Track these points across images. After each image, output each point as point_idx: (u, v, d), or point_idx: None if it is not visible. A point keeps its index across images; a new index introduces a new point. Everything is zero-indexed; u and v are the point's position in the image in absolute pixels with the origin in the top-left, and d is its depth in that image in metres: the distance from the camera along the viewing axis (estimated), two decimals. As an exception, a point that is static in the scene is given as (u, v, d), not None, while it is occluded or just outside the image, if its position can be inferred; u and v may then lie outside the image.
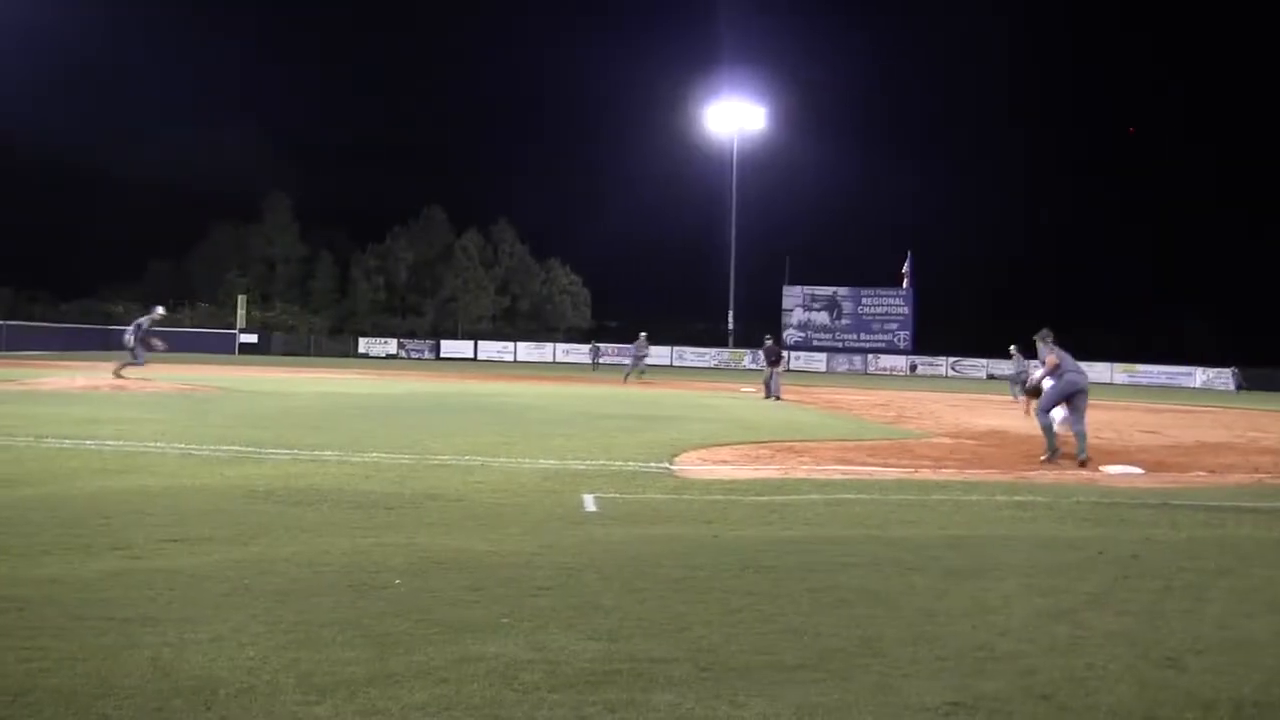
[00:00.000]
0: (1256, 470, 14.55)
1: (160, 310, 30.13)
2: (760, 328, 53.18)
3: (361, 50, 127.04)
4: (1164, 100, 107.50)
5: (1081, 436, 14.64)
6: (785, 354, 33.68)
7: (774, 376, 31.76)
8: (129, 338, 27.30)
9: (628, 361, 46.85)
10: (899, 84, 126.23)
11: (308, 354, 75.59)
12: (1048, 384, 19.14)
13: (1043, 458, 14.71)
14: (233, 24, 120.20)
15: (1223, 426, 24.58)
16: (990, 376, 62.89)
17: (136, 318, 28.64)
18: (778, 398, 30.52)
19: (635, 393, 32.64)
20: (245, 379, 34.15)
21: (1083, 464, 14.18)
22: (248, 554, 6.95)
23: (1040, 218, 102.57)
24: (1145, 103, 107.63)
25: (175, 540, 7.31)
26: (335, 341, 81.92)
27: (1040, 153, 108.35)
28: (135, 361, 27.11)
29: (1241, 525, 9.52)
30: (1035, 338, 15.74)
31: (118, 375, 26.80)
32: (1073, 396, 14.85)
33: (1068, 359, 15.11)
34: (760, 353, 33.52)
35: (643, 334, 45.79)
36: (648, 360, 47.01)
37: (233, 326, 78.06)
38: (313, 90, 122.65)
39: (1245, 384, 63.31)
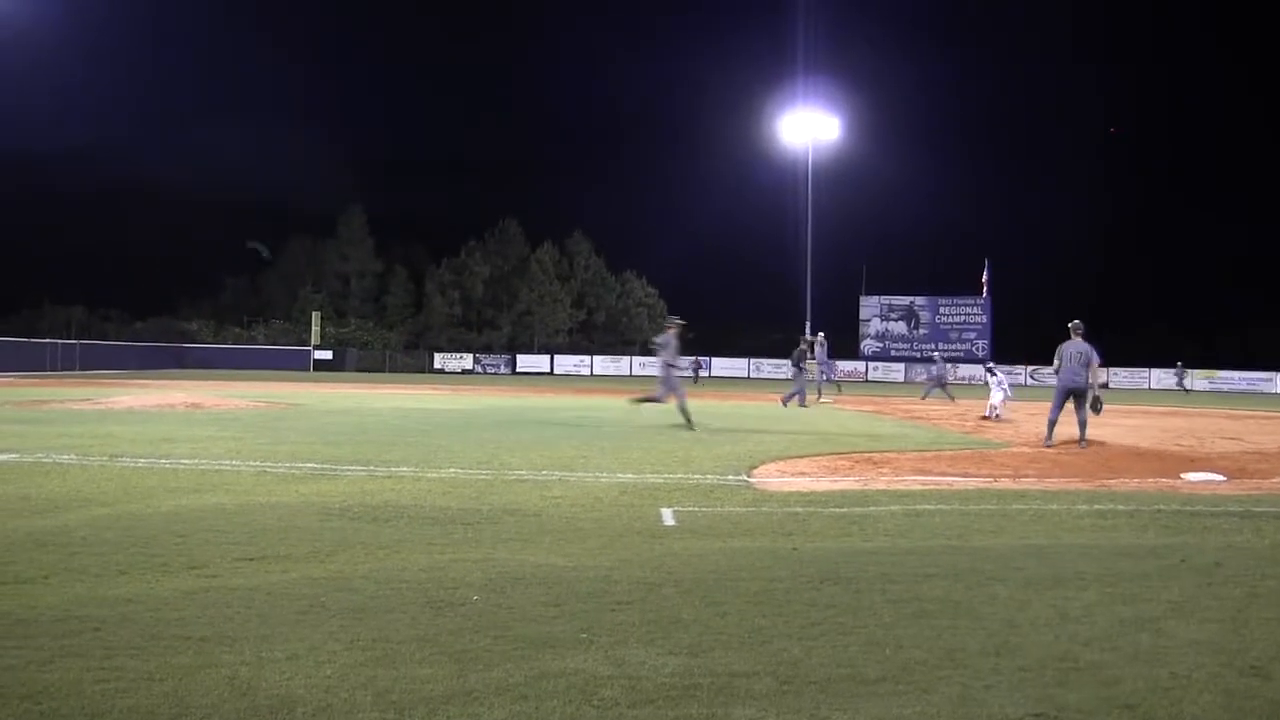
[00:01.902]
0: (1341, 477, 14.31)
1: (677, 320, 22.11)
2: (837, 338, 52.74)
3: (435, 64, 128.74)
4: (1248, 102, 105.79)
5: (1083, 425, 17.52)
6: (808, 359, 32.34)
7: (799, 380, 31.39)
8: (663, 361, 20.90)
9: (820, 376, 36.89)
10: (975, 91, 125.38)
11: (383, 370, 76.57)
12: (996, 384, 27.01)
13: (1044, 444, 17.60)
14: (308, 39, 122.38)
15: (1305, 433, 24.14)
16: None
17: (658, 339, 21.83)
18: (793, 403, 30.34)
19: (712, 405, 32.52)
20: (320, 395, 34.64)
21: (1084, 448, 17.01)
22: (324, 571, 7.02)
23: (1121, 223, 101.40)
24: (1227, 105, 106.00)
25: (251, 558, 7.40)
26: (410, 357, 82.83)
27: (1120, 156, 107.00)
28: (662, 397, 20.80)
29: None
30: (1069, 326, 17.85)
31: (635, 403, 22.79)
32: (1069, 394, 17.63)
33: (1067, 361, 17.61)
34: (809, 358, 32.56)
35: (819, 335, 37.18)
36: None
37: (307, 343, 79.19)
38: (386, 105, 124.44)
39: (1187, 386, 61.75)
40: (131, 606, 5.95)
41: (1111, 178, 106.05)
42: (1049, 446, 17.37)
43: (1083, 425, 17.55)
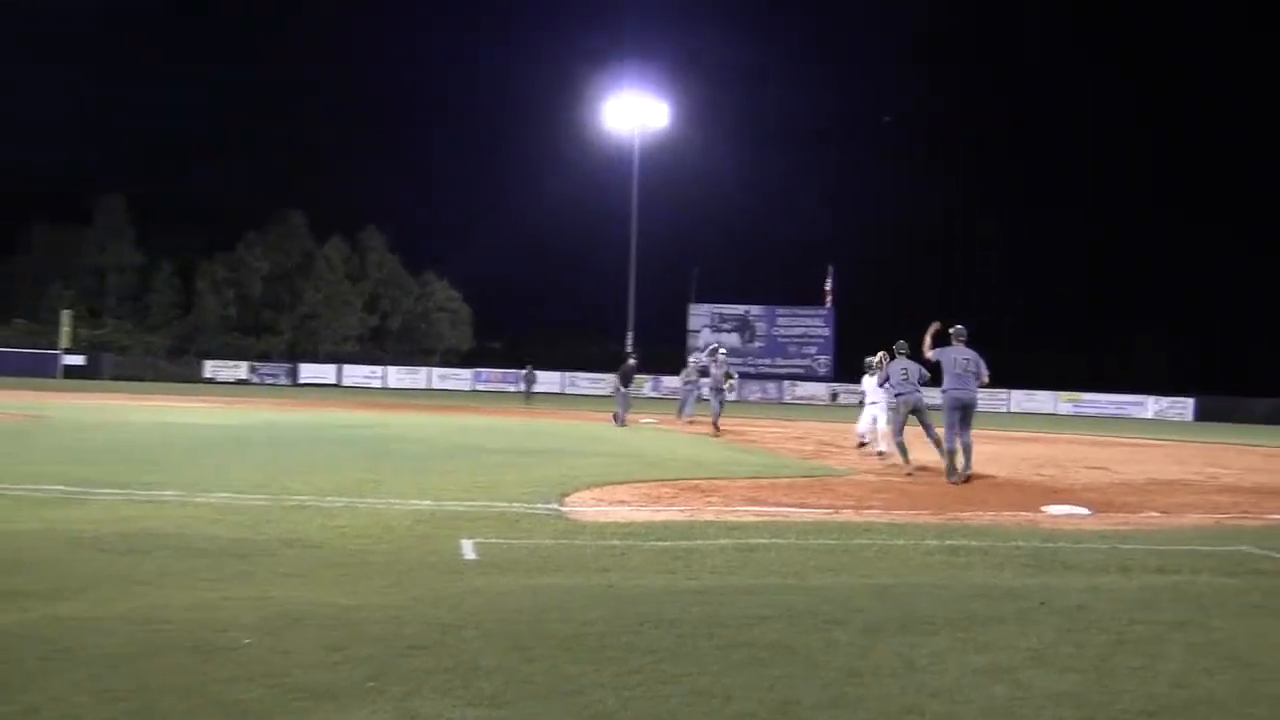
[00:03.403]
0: (1215, 510, 14.84)
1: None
2: (662, 350, 52.87)
3: (209, 31, 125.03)
4: (1114, 101, 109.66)
5: (968, 449, 17.04)
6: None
7: (624, 399, 32.21)
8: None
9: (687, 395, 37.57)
10: (816, 77, 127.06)
11: (144, 378, 74.29)
12: (881, 394, 21.30)
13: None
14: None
15: (1177, 462, 25.08)
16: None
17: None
18: (622, 423, 31.63)
19: (517, 424, 32.56)
20: (69, 406, 33.52)
21: (967, 479, 16.73)
22: (72, 611, 6.80)
23: (975, 229, 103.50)
24: (1093, 104, 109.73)
25: (-16, 595, 7.14)
26: (176, 364, 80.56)
27: (974, 158, 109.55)
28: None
29: (1199, 572, 9.63)
30: (950, 331, 17.43)
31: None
32: (961, 410, 17.08)
33: (952, 369, 17.11)
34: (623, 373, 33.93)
35: (713, 347, 36.14)
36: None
37: (55, 346, 76.45)
38: (153, 75, 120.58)
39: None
40: None
41: (971, 180, 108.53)
42: (955, 482, 16.69)
43: (968, 449, 17.09)
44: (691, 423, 33.58)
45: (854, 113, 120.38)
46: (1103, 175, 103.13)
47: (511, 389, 73.27)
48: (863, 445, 23.13)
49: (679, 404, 38.82)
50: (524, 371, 61.11)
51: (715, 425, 29.99)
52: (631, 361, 34.36)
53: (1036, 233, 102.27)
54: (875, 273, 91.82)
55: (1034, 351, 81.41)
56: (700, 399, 35.14)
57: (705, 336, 79.34)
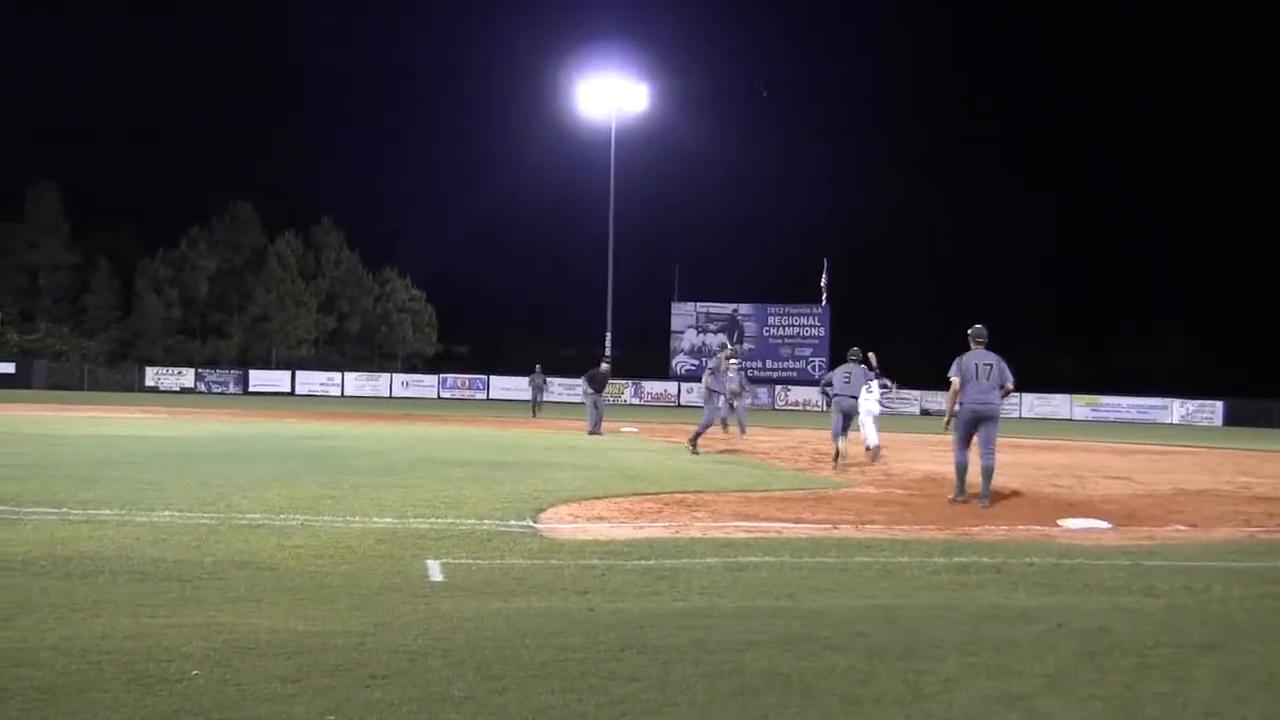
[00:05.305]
0: (1248, 523, 14.85)
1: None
2: (643, 354, 52.48)
3: (143, 12, 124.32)
4: (1145, 92, 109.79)
5: (989, 472, 15.80)
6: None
7: (598, 407, 33.04)
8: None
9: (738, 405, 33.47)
10: (806, 58, 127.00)
11: (81, 387, 74.14)
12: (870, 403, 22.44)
13: (950, 497, 16.15)
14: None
15: (1206, 470, 25.16)
16: (924, 411, 63.01)
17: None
18: (597, 432, 32.12)
19: (487, 434, 32.53)
20: (-1, 419, 33.36)
21: (966, 500, 15.79)
22: (1, 641, 6.75)
23: (982, 224, 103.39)
24: (1122, 97, 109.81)
25: (-94, 625, 7.09)
26: (116, 372, 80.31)
27: (984, 147, 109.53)
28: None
29: (1230, 590, 9.57)
30: (969, 333, 16.21)
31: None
32: (977, 423, 15.94)
33: (972, 377, 15.84)
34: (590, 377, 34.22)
35: (727, 349, 32.44)
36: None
37: (-17, 353, 76.13)
38: (88, 60, 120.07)
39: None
40: None
41: (978, 170, 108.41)
42: (960, 501, 15.92)
43: (989, 473, 15.86)
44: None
45: (853, 93, 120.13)
46: (1127, 166, 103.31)
47: (480, 396, 73.26)
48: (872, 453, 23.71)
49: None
50: (531, 376, 54.90)
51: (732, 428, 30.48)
52: (604, 366, 34.42)
53: (1054, 225, 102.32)
54: (876, 268, 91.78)
55: (1048, 351, 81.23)
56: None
57: (690, 338, 79.23)
